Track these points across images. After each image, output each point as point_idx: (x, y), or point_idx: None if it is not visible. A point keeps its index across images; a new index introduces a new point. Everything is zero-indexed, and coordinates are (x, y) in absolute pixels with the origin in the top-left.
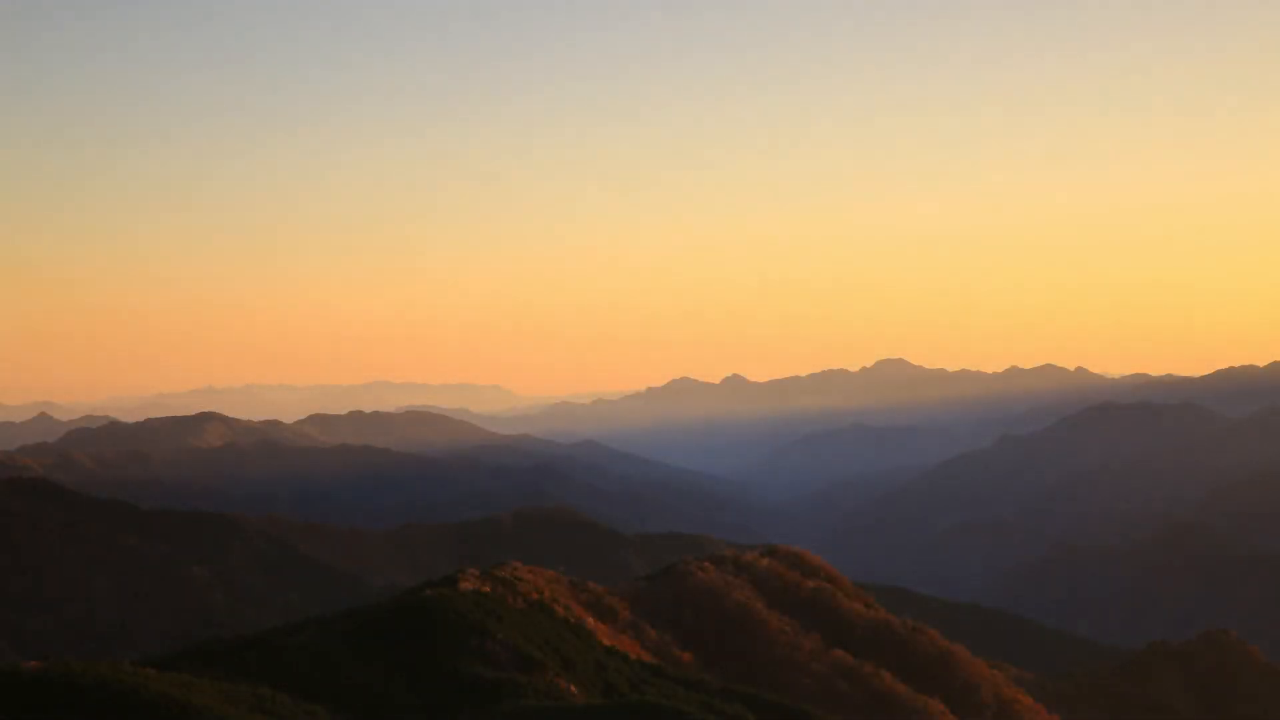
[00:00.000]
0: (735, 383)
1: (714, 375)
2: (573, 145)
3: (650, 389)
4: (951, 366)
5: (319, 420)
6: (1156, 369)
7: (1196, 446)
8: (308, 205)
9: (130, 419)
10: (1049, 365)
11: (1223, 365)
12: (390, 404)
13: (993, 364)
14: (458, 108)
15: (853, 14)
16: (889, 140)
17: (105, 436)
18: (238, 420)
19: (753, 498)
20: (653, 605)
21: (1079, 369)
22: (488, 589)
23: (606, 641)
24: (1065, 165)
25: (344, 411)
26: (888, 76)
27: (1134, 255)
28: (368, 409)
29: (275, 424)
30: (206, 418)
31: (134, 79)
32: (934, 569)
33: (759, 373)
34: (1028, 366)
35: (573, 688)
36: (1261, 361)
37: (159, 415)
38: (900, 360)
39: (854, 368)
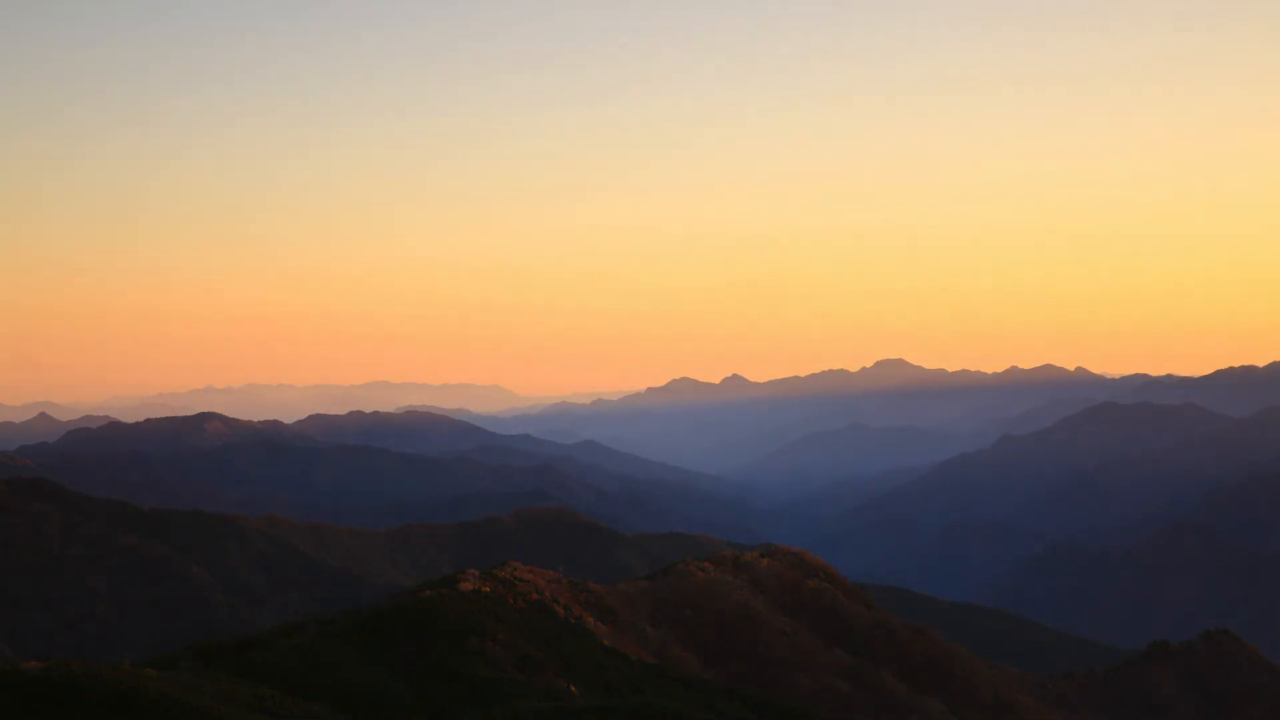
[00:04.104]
0: (735, 383)
1: (714, 375)
2: (573, 144)
3: (650, 389)
4: (951, 366)
5: (319, 420)
6: (1156, 369)
7: (1196, 446)
8: (307, 205)
9: (130, 419)
10: (1049, 365)
11: (1223, 365)
12: (390, 404)
13: (993, 364)
14: (462, 107)
15: (856, 13)
16: (889, 140)
17: (105, 436)
18: (238, 420)
19: (752, 497)
20: (653, 605)
21: (1079, 369)
22: (488, 589)
23: (606, 641)
24: (1065, 165)
25: (344, 411)
26: (890, 76)
27: (1134, 255)
28: (368, 409)
29: (275, 424)
30: (206, 418)
31: (134, 79)
32: (934, 569)
33: (759, 373)
34: (1028, 366)
35: (573, 688)
36: (1261, 361)
37: (159, 415)
38: (900, 360)
39: (854, 368)
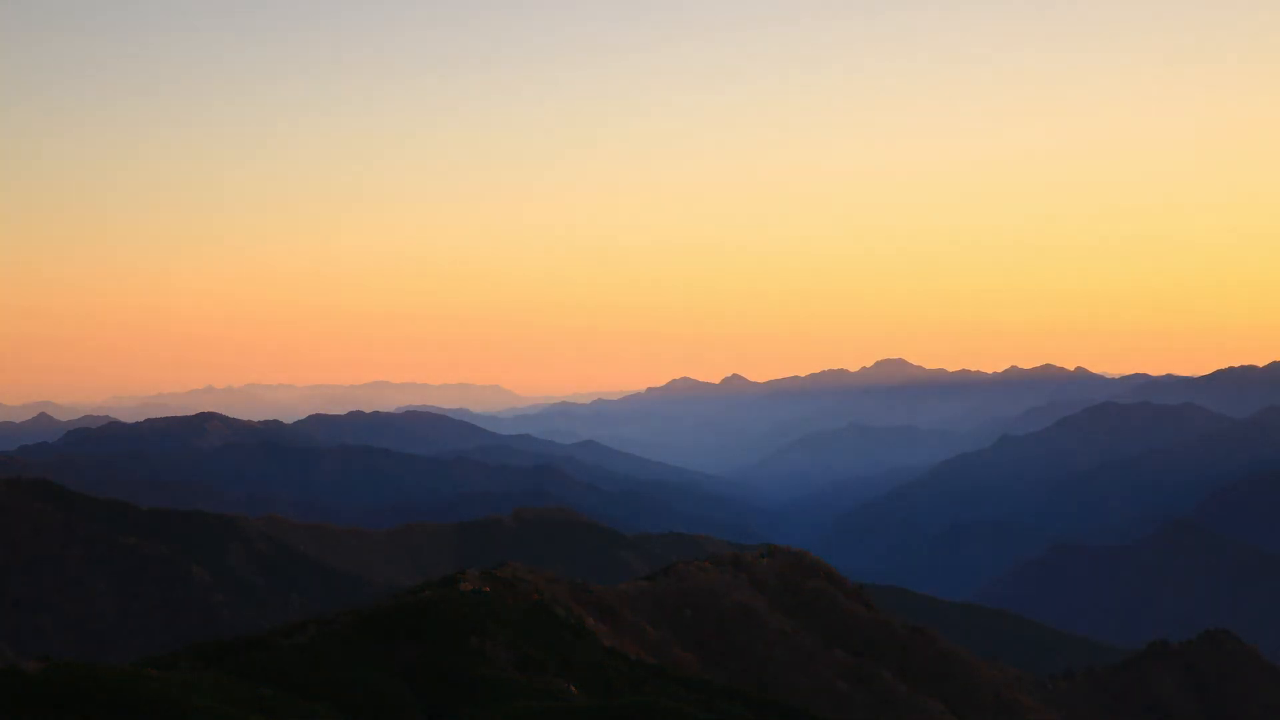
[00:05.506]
0: (735, 383)
1: (714, 375)
2: (574, 144)
3: (650, 389)
4: (951, 366)
5: (319, 420)
6: (1156, 369)
7: (1196, 446)
8: (307, 204)
9: (130, 419)
10: (1049, 365)
11: (1223, 365)
12: (390, 404)
13: (993, 364)
14: (462, 106)
15: (856, 13)
16: (889, 140)
17: (105, 436)
18: (238, 420)
19: (753, 497)
20: (653, 605)
21: (1079, 369)
22: (488, 589)
23: (606, 642)
24: (1065, 165)
25: (344, 411)
26: (887, 76)
27: (1134, 255)
28: (368, 409)
29: (275, 424)
30: (206, 418)
31: (134, 79)
32: (934, 569)
33: (759, 373)
34: (1028, 366)
35: (573, 688)
36: (1261, 361)
37: (159, 415)
38: (900, 360)
39: (854, 368)
